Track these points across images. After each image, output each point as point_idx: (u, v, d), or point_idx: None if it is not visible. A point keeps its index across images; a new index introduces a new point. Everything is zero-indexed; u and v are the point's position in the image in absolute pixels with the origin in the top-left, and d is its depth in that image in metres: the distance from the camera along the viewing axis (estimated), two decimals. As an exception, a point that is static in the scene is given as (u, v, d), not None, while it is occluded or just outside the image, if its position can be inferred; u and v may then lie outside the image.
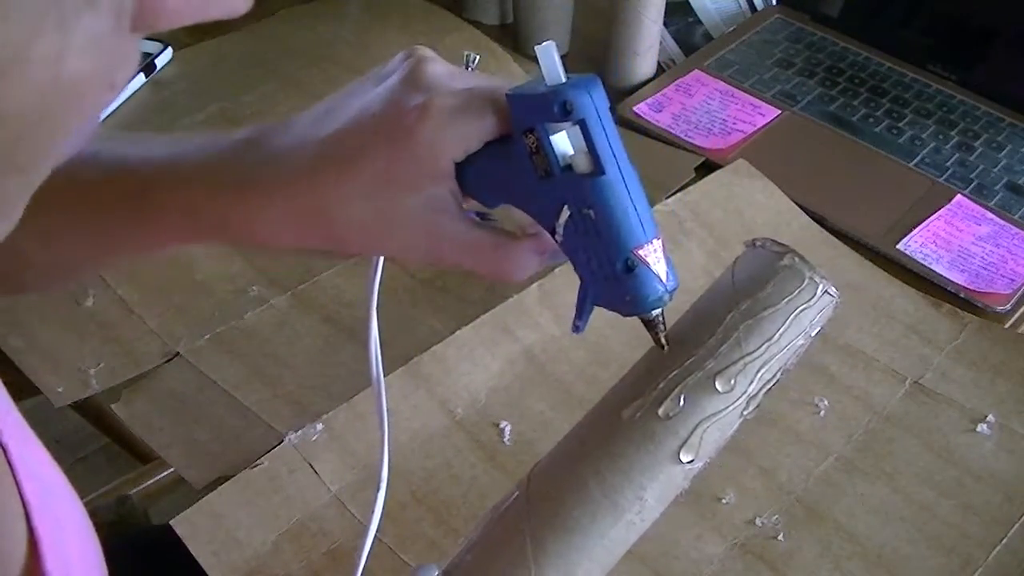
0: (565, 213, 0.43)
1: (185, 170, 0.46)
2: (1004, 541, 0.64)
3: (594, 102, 0.41)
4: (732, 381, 0.46)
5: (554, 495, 0.46)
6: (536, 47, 0.42)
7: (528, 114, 0.42)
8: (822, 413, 0.71)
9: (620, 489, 0.45)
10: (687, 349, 0.46)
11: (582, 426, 0.49)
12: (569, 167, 0.42)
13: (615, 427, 0.46)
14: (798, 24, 1.06)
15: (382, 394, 0.52)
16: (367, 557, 0.52)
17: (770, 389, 0.47)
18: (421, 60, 0.45)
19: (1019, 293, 0.79)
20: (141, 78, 0.95)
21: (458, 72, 0.45)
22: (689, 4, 1.08)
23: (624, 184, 0.42)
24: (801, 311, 0.47)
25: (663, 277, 0.43)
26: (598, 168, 0.41)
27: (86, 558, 0.40)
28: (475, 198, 0.46)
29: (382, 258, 0.50)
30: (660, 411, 0.45)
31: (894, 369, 0.74)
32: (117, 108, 0.92)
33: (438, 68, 0.45)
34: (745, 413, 0.47)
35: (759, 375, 0.46)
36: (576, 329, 0.46)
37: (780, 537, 0.64)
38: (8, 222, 0.28)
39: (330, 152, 0.44)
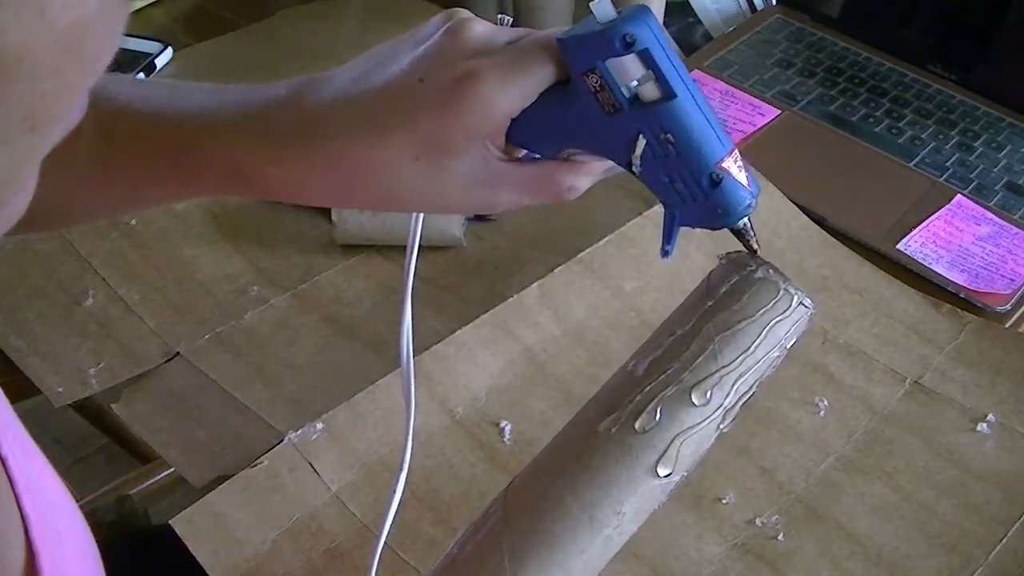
0: (641, 143, 0.43)
1: (224, 128, 0.46)
2: (1004, 540, 0.64)
3: (652, 29, 0.42)
4: (708, 394, 0.46)
5: (531, 510, 0.46)
6: (591, 4, 0.42)
7: (587, 54, 0.42)
8: (822, 413, 0.71)
9: (598, 504, 0.45)
10: (663, 362, 0.46)
11: (559, 440, 0.49)
12: (636, 98, 0.42)
13: (592, 441, 0.46)
14: (798, 24, 1.06)
15: (411, 375, 0.52)
16: (381, 551, 0.52)
17: (747, 402, 0.47)
18: (462, 22, 0.44)
19: (1019, 293, 0.79)
20: (141, 78, 0.95)
21: (499, 30, 0.45)
22: (689, 4, 1.08)
23: (695, 102, 0.42)
24: (776, 323, 0.47)
25: (746, 184, 0.43)
26: (669, 92, 0.42)
27: (85, 571, 0.40)
28: (532, 150, 0.46)
29: (419, 231, 0.50)
30: (637, 425, 0.45)
31: (894, 369, 0.74)
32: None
33: (480, 28, 0.44)
34: (722, 427, 0.47)
35: (735, 388, 0.46)
36: (665, 254, 0.46)
37: (780, 537, 0.64)
38: (24, 192, 0.28)
39: (376, 116, 0.44)
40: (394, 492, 0.52)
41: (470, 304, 0.76)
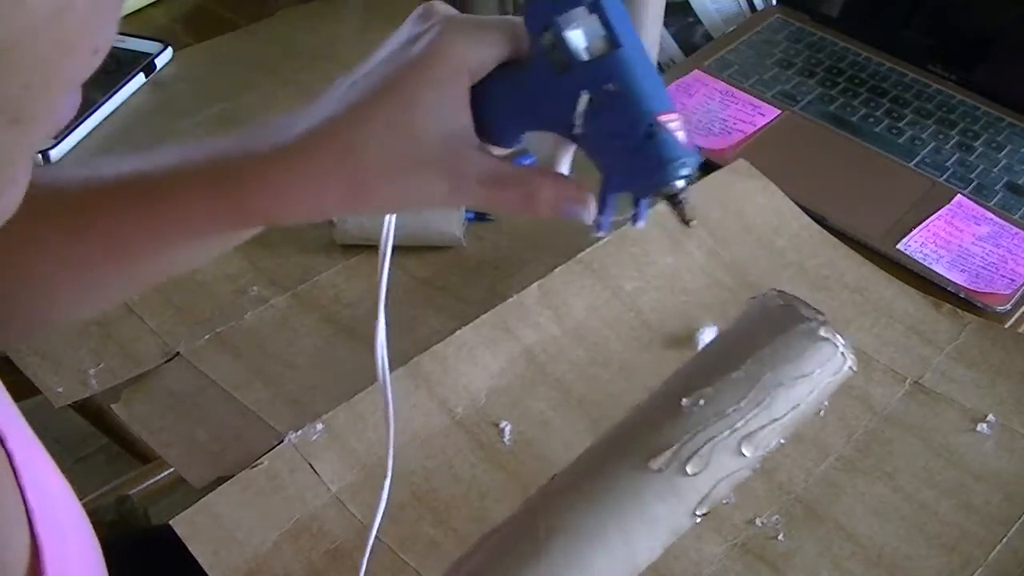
0: (584, 99, 0.44)
1: (196, 162, 0.46)
2: (1004, 541, 0.64)
3: None
4: (757, 444, 0.48)
5: (572, 535, 0.47)
6: None
7: (543, 14, 0.44)
8: (822, 413, 0.71)
9: (638, 538, 0.47)
10: (717, 405, 0.48)
11: (600, 466, 0.49)
12: (585, 53, 0.44)
13: (641, 477, 0.47)
14: (798, 24, 1.06)
15: (387, 388, 0.52)
16: (368, 555, 0.52)
17: (780, 446, 0.50)
18: (432, 4, 0.46)
19: (1019, 293, 0.79)
20: (141, 78, 0.95)
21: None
22: (689, 4, 1.08)
23: (640, 55, 0.44)
24: (828, 383, 0.49)
25: (685, 145, 0.43)
26: (615, 42, 0.43)
27: (87, 566, 0.40)
28: (493, 139, 0.47)
29: (388, 255, 0.50)
30: (688, 468, 0.47)
31: (894, 369, 0.74)
32: (117, 108, 0.92)
33: (449, 7, 0.46)
34: (755, 469, 0.49)
35: (778, 438, 0.48)
36: (598, 227, 0.46)
37: (780, 537, 0.64)
38: (15, 188, 0.28)
39: (349, 101, 0.45)
40: (379, 503, 0.52)
41: (470, 304, 0.76)
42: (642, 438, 0.48)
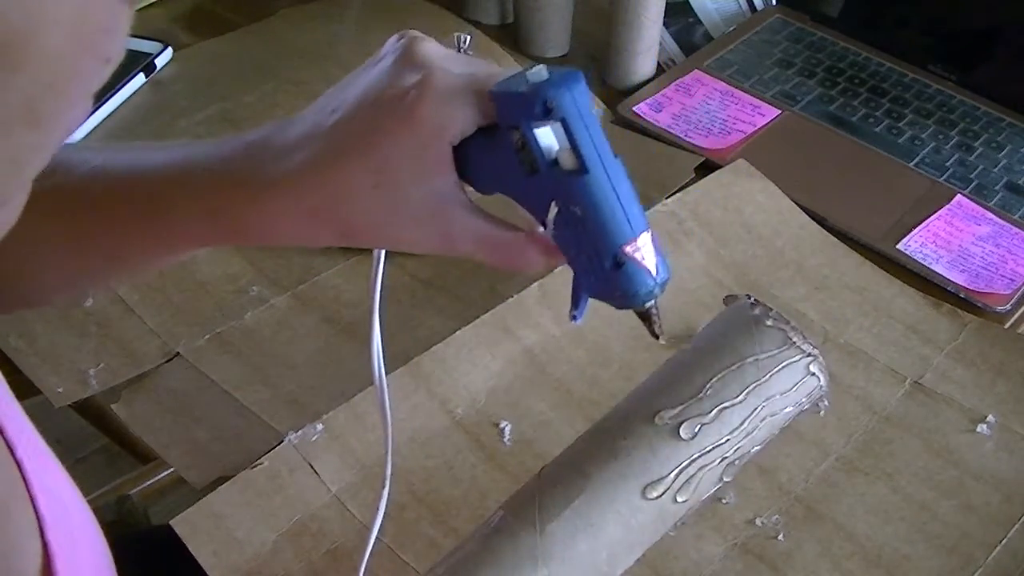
0: (554, 209, 0.42)
1: (199, 175, 0.46)
2: (1004, 541, 0.64)
3: (575, 99, 0.41)
4: (734, 472, 0.52)
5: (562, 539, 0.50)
6: (526, 71, 0.42)
7: (512, 111, 0.42)
8: (822, 413, 0.71)
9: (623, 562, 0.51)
10: (708, 435, 0.51)
11: (595, 487, 0.51)
12: (556, 162, 0.42)
13: (637, 501, 0.51)
14: (798, 24, 1.06)
15: (384, 393, 0.52)
16: (368, 557, 0.52)
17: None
18: (414, 40, 0.44)
19: (1019, 293, 0.79)
20: (141, 78, 0.95)
21: (452, 54, 0.45)
22: (689, 4, 1.08)
23: (609, 180, 0.41)
24: (801, 404, 0.54)
25: (653, 271, 0.42)
26: (582, 166, 0.41)
27: (98, 572, 0.40)
28: (472, 185, 0.46)
29: (383, 255, 0.50)
30: (679, 497, 0.51)
31: (894, 369, 0.74)
32: (117, 108, 0.92)
33: (431, 47, 0.44)
34: (725, 479, 0.53)
35: (749, 453, 0.53)
36: (573, 319, 0.45)
37: (780, 537, 0.64)
38: (23, 194, 0.28)
39: (334, 144, 0.44)
40: (378, 509, 0.53)
41: (470, 304, 0.76)
42: (639, 464, 0.51)
